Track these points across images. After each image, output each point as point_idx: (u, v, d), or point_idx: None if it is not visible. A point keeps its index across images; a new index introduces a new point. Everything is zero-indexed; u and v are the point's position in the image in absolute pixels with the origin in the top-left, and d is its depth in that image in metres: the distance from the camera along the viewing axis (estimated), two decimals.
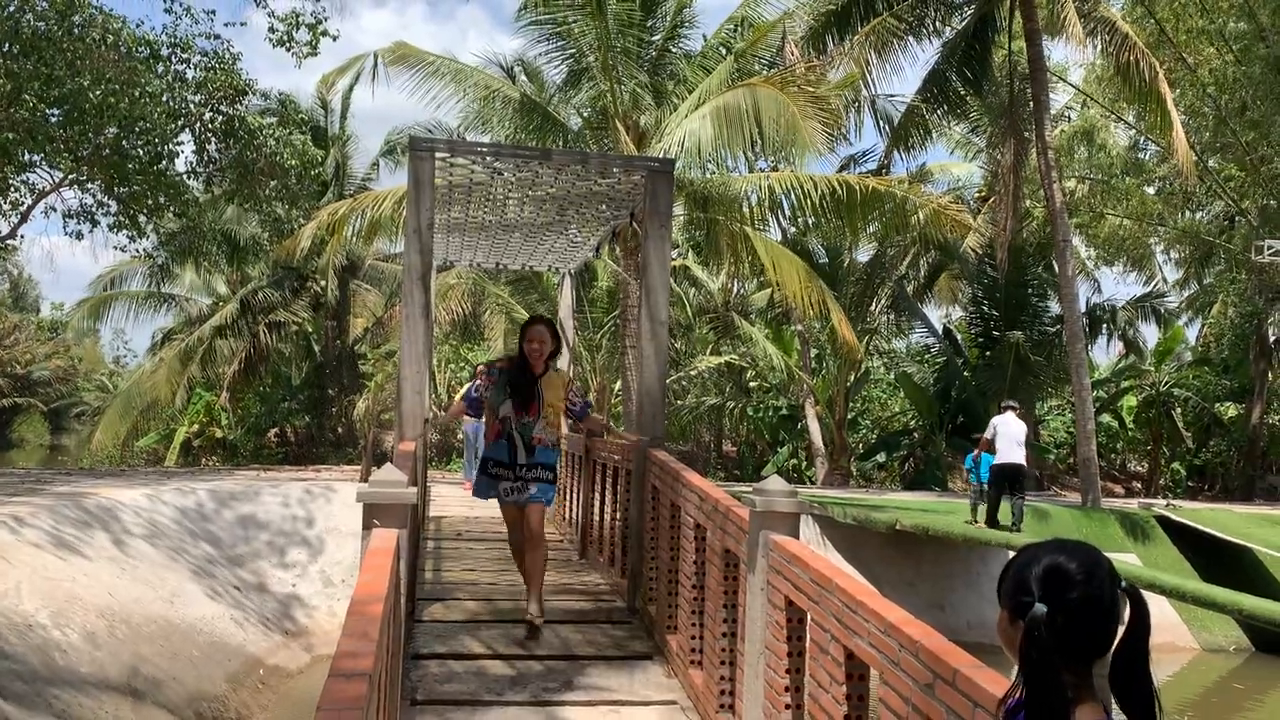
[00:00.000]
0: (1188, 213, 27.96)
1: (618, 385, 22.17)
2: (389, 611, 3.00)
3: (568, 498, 10.47)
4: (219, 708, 9.90)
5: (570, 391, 6.46)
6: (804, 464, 27.40)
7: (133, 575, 11.16)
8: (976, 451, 14.41)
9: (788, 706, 3.86)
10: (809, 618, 3.73)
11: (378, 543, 3.51)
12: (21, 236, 17.26)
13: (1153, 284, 31.25)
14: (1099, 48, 19.51)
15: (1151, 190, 27.81)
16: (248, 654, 11.58)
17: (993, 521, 14.10)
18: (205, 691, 9.90)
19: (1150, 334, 30.81)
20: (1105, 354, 33.42)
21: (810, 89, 14.37)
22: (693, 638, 5.23)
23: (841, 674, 3.32)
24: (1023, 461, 13.74)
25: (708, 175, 17.25)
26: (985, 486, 14.30)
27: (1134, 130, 25.92)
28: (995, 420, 14.01)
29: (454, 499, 14.67)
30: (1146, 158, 27.73)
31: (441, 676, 5.08)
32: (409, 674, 5.05)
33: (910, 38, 20.22)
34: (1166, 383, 28.48)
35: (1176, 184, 24.94)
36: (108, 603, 9.98)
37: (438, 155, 6.64)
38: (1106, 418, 30.02)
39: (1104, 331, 29.01)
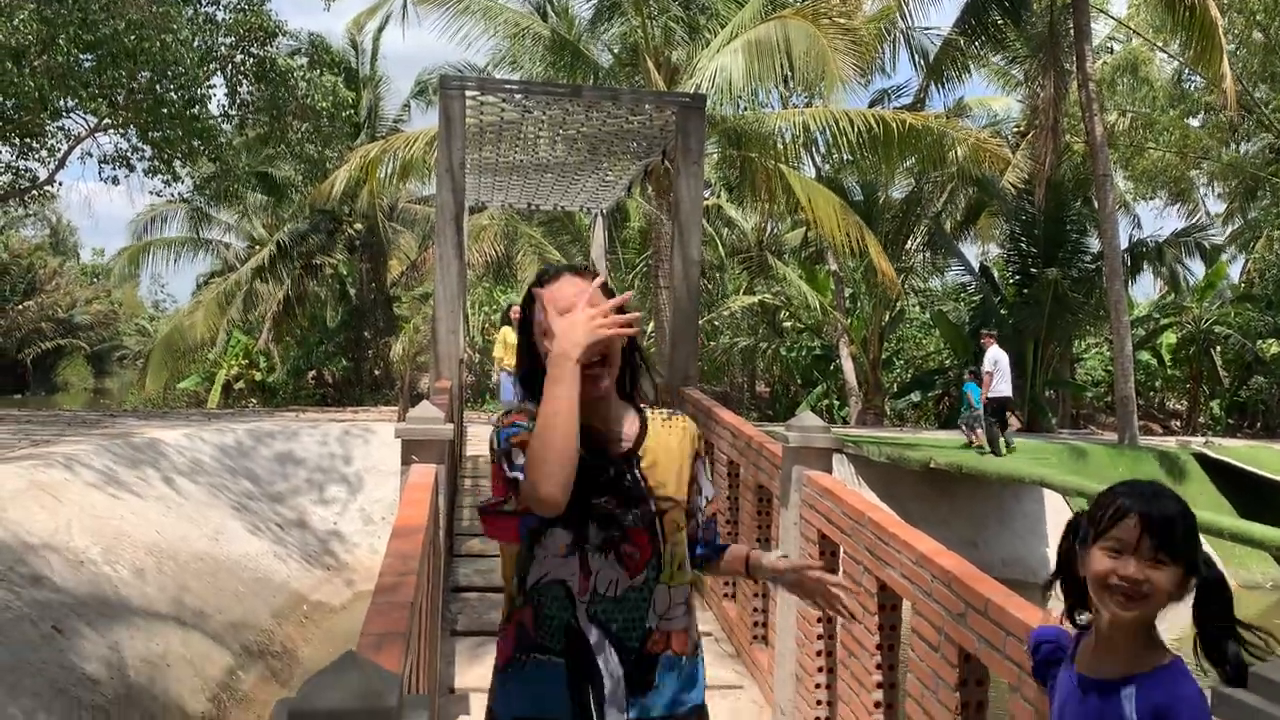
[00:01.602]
0: (1233, 145, 27.29)
1: (650, 326, 22.19)
2: (428, 543, 3.06)
3: None
4: (265, 641, 10.17)
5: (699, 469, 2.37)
6: (838, 404, 27.37)
7: (178, 513, 11.43)
8: (985, 384, 15.15)
9: (820, 636, 3.91)
10: (842, 550, 3.77)
11: (416, 477, 3.58)
12: (59, 183, 17.47)
13: (1195, 218, 30.64)
14: None
15: (1195, 122, 27.15)
16: (291, 589, 11.86)
17: (998, 449, 14.97)
18: (251, 625, 10.17)
19: (1196, 269, 30.30)
20: (1147, 292, 32.95)
21: (842, 21, 14.09)
22: None
23: (874, 605, 3.36)
24: (1010, 394, 15.39)
25: (741, 112, 17.04)
26: (979, 415, 15.52)
27: (1178, 61, 25.22)
28: (995, 355, 14.74)
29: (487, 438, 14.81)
30: (1191, 89, 27.03)
31: (482, 608, 5.19)
32: (449, 605, 5.16)
33: None
34: (1207, 320, 28.04)
35: (1222, 115, 24.32)
36: (155, 540, 10.24)
37: (468, 93, 6.61)
38: (1145, 355, 29.67)
39: (1144, 268, 28.56)
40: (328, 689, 1.37)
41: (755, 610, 4.77)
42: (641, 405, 2.22)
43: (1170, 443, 19.18)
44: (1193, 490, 16.01)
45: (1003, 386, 15.05)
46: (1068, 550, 1.94)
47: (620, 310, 2.02)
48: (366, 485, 14.58)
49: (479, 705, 3.79)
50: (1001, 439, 15.24)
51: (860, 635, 3.48)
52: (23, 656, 6.68)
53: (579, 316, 1.96)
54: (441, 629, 4.63)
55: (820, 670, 3.91)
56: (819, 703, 3.92)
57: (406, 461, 3.83)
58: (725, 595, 5.31)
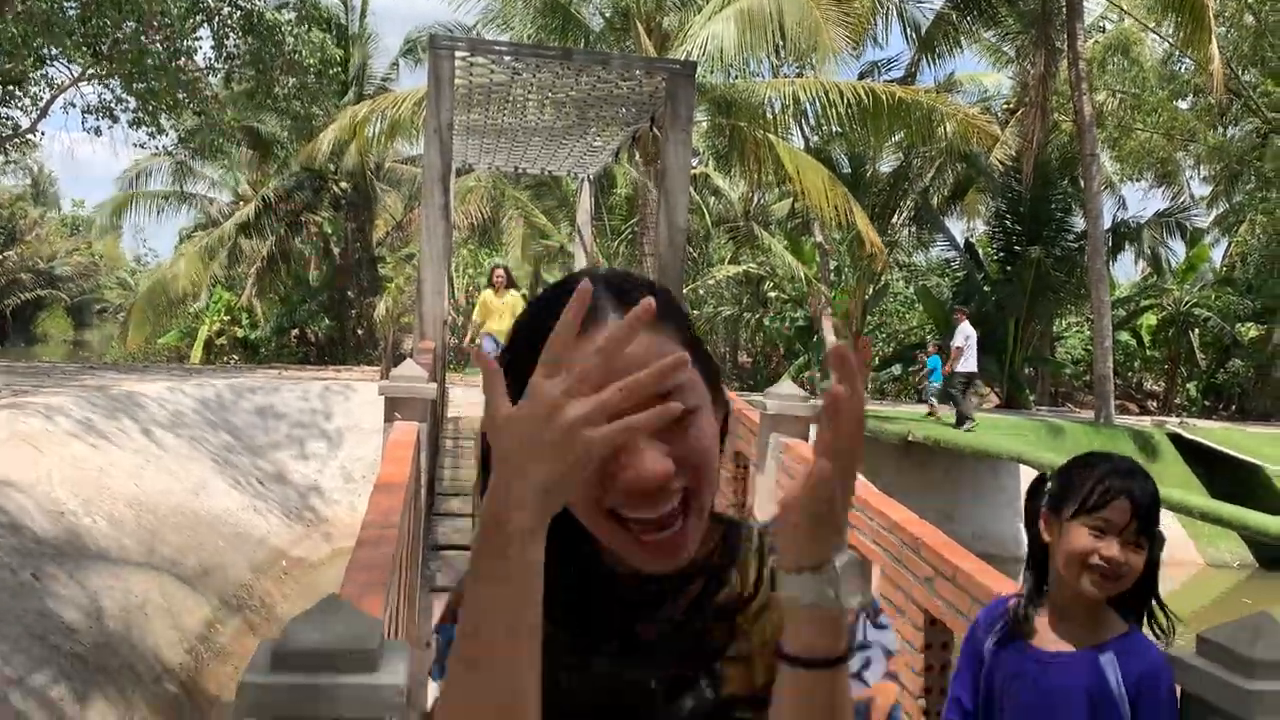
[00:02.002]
0: (1219, 129, 27.39)
1: None
2: (409, 499, 3.11)
3: None
4: (243, 595, 10.25)
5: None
6: (819, 376, 27.52)
7: (158, 466, 11.45)
8: (952, 358, 15.65)
9: None
10: None
11: (399, 434, 3.63)
12: (41, 132, 17.28)
13: (1180, 200, 30.78)
14: None
15: (1184, 105, 27.22)
16: (270, 545, 11.93)
17: (966, 422, 15.38)
18: (230, 578, 10.24)
19: (1178, 251, 30.47)
20: (1129, 273, 33.15)
21: None
22: None
23: None
24: (975, 370, 15.93)
25: (731, 80, 16.99)
26: (941, 389, 16.35)
27: (1169, 43, 25.24)
28: (967, 330, 15.39)
29: (470, 402, 14.87)
30: (1181, 70, 27.07)
31: (461, 565, 5.26)
32: (428, 563, 5.23)
33: None
34: (1187, 302, 28.27)
35: (1210, 99, 24.40)
36: (134, 492, 10.27)
37: (458, 54, 6.59)
38: (1125, 335, 29.91)
39: (1127, 249, 28.71)
40: (311, 630, 1.42)
41: None
42: (728, 516, 1.16)
43: (1146, 422, 19.41)
44: (1164, 469, 16.23)
45: (971, 362, 15.43)
46: (1033, 513, 1.93)
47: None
48: (347, 442, 14.63)
49: None
50: (968, 412, 15.64)
51: None
52: (2, 605, 6.72)
53: (546, 401, 0.80)
54: (420, 585, 4.70)
55: None
56: None
57: (389, 419, 3.88)
58: None
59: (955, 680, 2.00)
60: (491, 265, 13.73)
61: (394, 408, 3.91)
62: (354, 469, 14.36)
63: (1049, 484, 1.93)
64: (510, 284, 12.16)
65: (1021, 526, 10.75)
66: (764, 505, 4.34)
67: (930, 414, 16.43)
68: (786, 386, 4.34)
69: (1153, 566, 1.82)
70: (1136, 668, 1.76)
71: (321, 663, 1.37)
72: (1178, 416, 22.43)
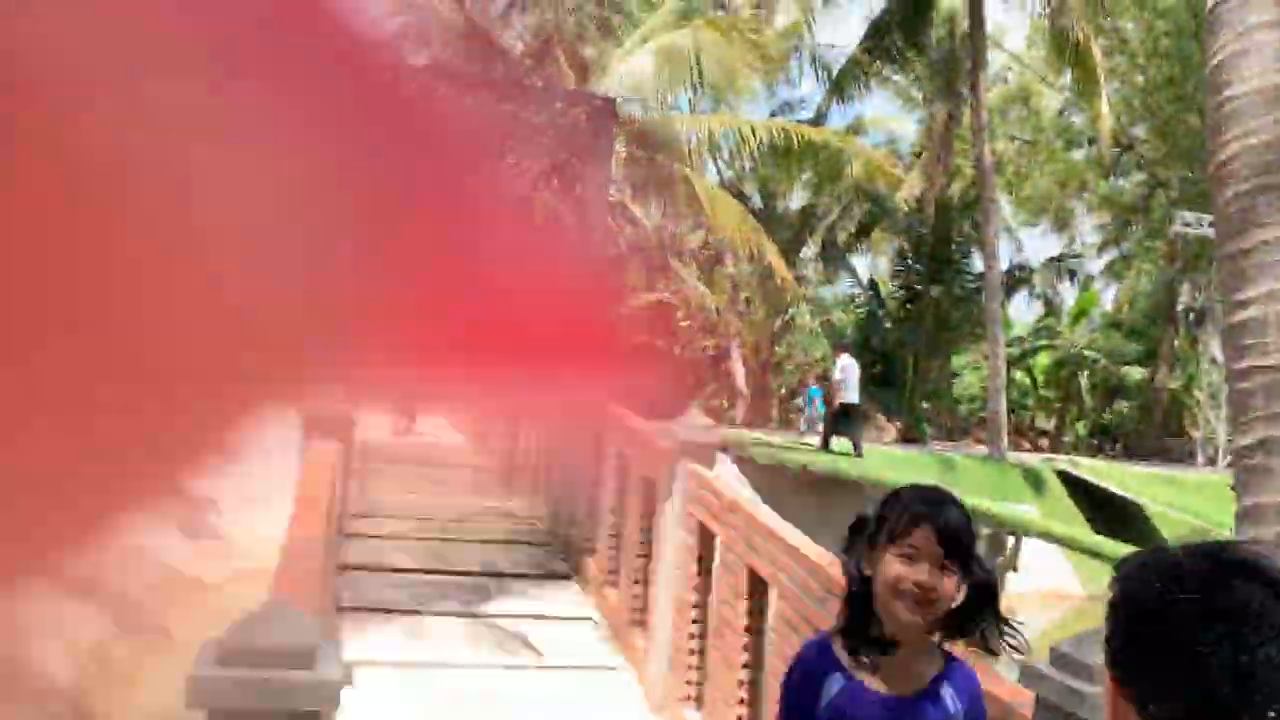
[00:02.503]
0: (1111, 179, 28.76)
1: None
2: (331, 512, 3.20)
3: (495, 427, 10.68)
4: (138, 615, 10.00)
5: None
6: (726, 405, 27.91)
7: None
8: (831, 391, 16.28)
9: (695, 620, 4.17)
10: (718, 540, 4.03)
11: (318, 455, 3.70)
12: None
13: (1073, 245, 32.15)
14: (1037, 12, 19.89)
15: (1079, 154, 28.52)
16: (166, 564, 11.64)
17: (827, 446, 16.04)
18: (125, 598, 9.97)
19: (1070, 295, 31.80)
20: (1023, 314, 34.41)
21: (753, 36, 14.47)
22: (610, 559, 5.53)
23: (745, 590, 3.63)
24: (858, 400, 16.33)
25: (649, 113, 17.29)
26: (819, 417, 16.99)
27: (1065, 95, 26.50)
28: (844, 363, 15.98)
29: (376, 422, 14.74)
30: (1075, 123, 28.40)
31: (370, 586, 5.31)
32: (336, 585, 5.26)
33: None
34: (1078, 345, 29.49)
35: (1101, 150, 25.65)
36: None
37: None
38: (1020, 375, 31.04)
39: (1024, 291, 29.87)
40: (255, 629, 1.53)
41: (635, 597, 5.01)
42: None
43: (1036, 459, 20.16)
44: (1052, 504, 16.90)
45: (850, 394, 16.00)
46: (850, 550, 1.90)
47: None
48: (249, 460, 14.31)
49: (362, 678, 3.92)
50: (850, 441, 16.23)
51: (729, 617, 3.75)
52: None
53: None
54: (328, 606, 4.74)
55: (693, 652, 4.18)
56: (689, 682, 4.18)
57: (309, 437, 3.94)
58: (608, 583, 5.54)
59: None
60: None
61: (313, 426, 3.98)
62: (255, 488, 14.09)
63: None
64: None
65: None
66: (670, 532, 4.51)
67: (819, 445, 16.80)
68: (694, 416, 4.53)
69: (983, 588, 1.83)
70: (966, 688, 1.84)
71: (267, 660, 1.49)
72: (1067, 454, 23.35)
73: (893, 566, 1.77)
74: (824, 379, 17.21)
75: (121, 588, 10.19)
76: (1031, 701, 2.08)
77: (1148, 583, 0.97)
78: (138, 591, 10.44)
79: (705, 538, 4.19)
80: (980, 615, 1.82)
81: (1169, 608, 0.94)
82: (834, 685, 1.82)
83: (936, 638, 1.85)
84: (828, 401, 16.96)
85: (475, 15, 17.99)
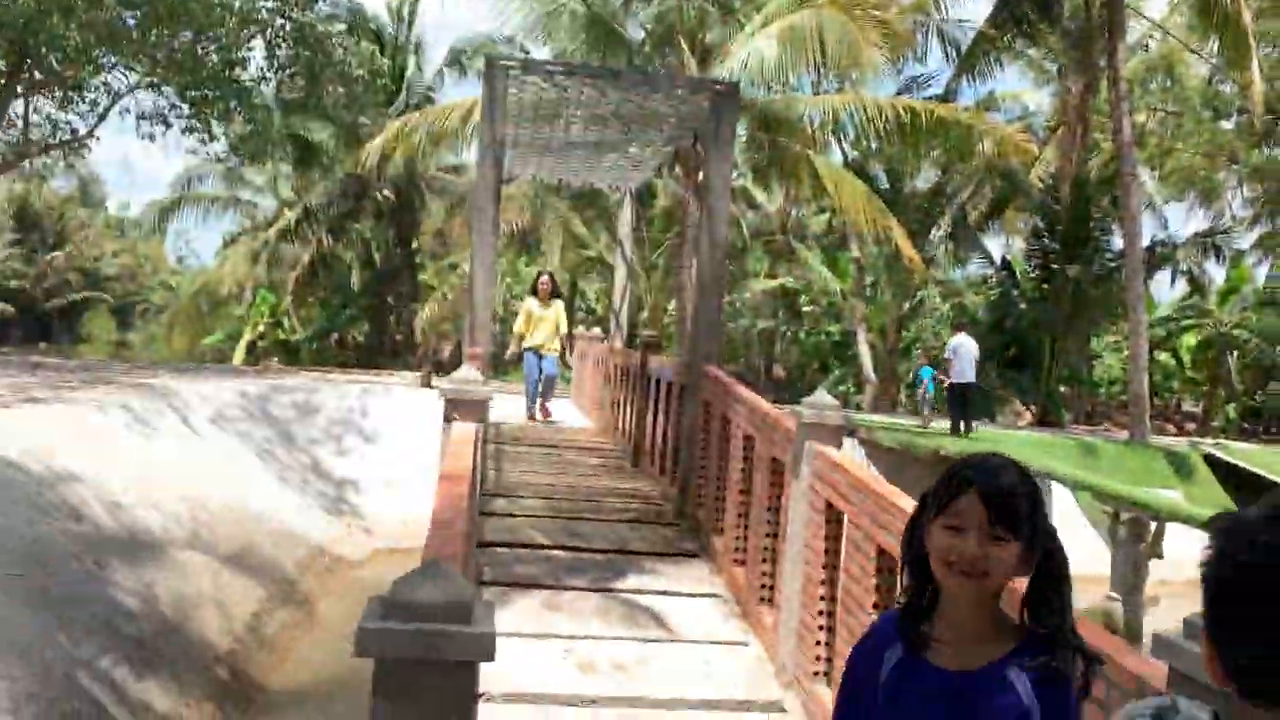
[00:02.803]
0: (1262, 149, 27.22)
1: (672, 305, 22.44)
2: (471, 492, 3.37)
3: (620, 410, 10.86)
4: (287, 590, 10.58)
5: None
6: (853, 390, 27.60)
7: (207, 462, 11.85)
8: (940, 371, 16.36)
9: (823, 598, 4.22)
10: (845, 518, 4.06)
11: (459, 433, 3.89)
12: (97, 138, 17.80)
13: (1221, 221, 30.56)
14: None
15: (1227, 125, 27.09)
16: (313, 542, 12.27)
17: (958, 430, 15.83)
18: (275, 574, 10.57)
19: (1216, 273, 30.27)
20: (1165, 293, 32.93)
21: (876, 13, 14.25)
22: (737, 538, 5.61)
23: (873, 567, 3.66)
24: (974, 380, 16.28)
25: (771, 95, 17.21)
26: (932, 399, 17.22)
27: (1211, 64, 25.17)
28: (956, 342, 16.04)
29: (507, 407, 15.16)
30: (1225, 91, 26.96)
31: (507, 561, 5.52)
32: (477, 559, 5.49)
33: None
34: (1228, 324, 28.06)
35: (1255, 118, 24.29)
36: (186, 487, 10.65)
37: (511, 74, 6.88)
38: (1164, 356, 29.75)
39: (1167, 269, 28.56)
40: (418, 587, 1.67)
41: (763, 575, 5.08)
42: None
43: (1182, 443, 19.34)
44: (1200, 490, 16.19)
45: (967, 372, 15.85)
46: (915, 525, 1.80)
47: None
48: (386, 445, 14.94)
49: (503, 649, 4.09)
50: (963, 422, 16.02)
51: (859, 596, 3.79)
52: (70, 589, 7.07)
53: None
54: (471, 578, 4.95)
55: (821, 629, 4.23)
56: (818, 658, 4.23)
57: (449, 419, 4.13)
58: (735, 561, 5.62)
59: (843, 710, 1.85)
60: (538, 273, 13.16)
61: (453, 408, 4.17)
62: (393, 472, 14.68)
63: None
64: (555, 293, 11.85)
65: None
66: (798, 511, 4.56)
67: (923, 426, 16.85)
68: (821, 397, 4.56)
69: (1051, 563, 1.71)
70: (1045, 674, 1.66)
71: (427, 613, 1.63)
72: (1215, 438, 22.31)
73: (941, 537, 1.69)
74: (935, 360, 17.33)
75: (275, 563, 10.80)
76: (1164, 673, 2.07)
77: (1233, 543, 1.06)
78: (289, 568, 11.05)
79: (833, 516, 4.23)
80: (1046, 597, 1.70)
81: (1247, 569, 1.03)
82: (894, 657, 1.76)
83: (1015, 617, 1.73)
84: (939, 383, 16.94)
85: (597, 6, 18.20)
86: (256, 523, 11.36)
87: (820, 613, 4.21)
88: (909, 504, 3.42)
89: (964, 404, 16.14)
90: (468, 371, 4.34)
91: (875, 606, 3.64)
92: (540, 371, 11.92)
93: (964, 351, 15.92)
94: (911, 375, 28.02)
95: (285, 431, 14.48)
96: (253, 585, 9.89)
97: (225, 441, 12.95)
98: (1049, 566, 1.71)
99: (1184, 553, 13.66)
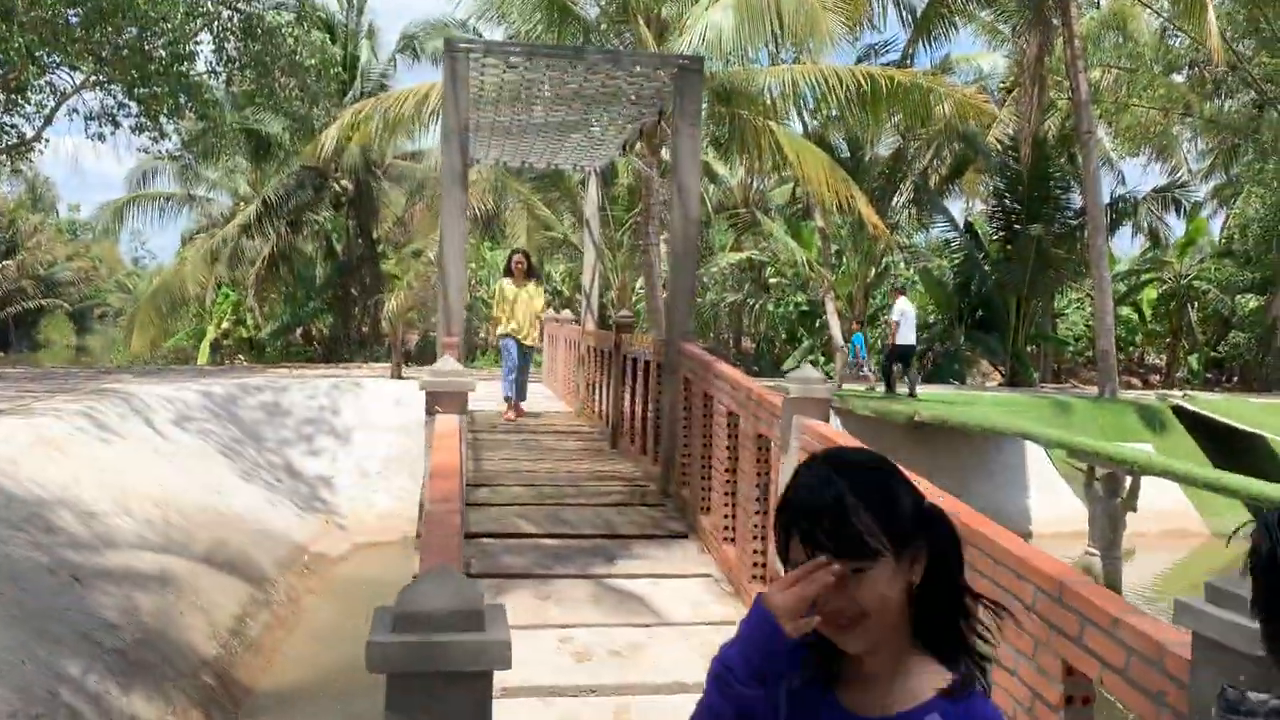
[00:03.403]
0: (1215, 102, 27.48)
1: (639, 283, 22.35)
2: (461, 483, 3.29)
3: (596, 392, 10.78)
4: (269, 590, 10.45)
5: None
6: (823, 359, 27.69)
7: (178, 467, 11.65)
8: (893, 332, 17.05)
9: None
10: None
11: (444, 426, 3.81)
12: (46, 140, 17.40)
13: (1177, 175, 30.87)
14: None
15: (1179, 78, 27.30)
16: (292, 541, 12.14)
17: (893, 388, 16.88)
18: (255, 575, 10.44)
19: (1176, 226, 30.61)
20: (1126, 247, 33.28)
21: None
22: (725, 516, 5.57)
23: None
24: (914, 343, 17.36)
25: (729, 68, 17.10)
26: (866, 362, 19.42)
27: (1163, 17, 25.32)
28: (903, 306, 16.85)
29: (482, 393, 15.04)
30: (1177, 45, 27.14)
31: (495, 552, 5.45)
32: (465, 552, 5.42)
33: None
34: (1187, 276, 28.40)
35: (1207, 71, 24.50)
36: (160, 492, 10.47)
37: (472, 57, 6.75)
38: (1126, 310, 30.07)
39: (1127, 224, 28.83)
40: (425, 595, 1.60)
41: (755, 553, 5.05)
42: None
43: (1150, 396, 19.58)
44: (1171, 442, 16.42)
45: (909, 335, 16.74)
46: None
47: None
48: (360, 439, 14.81)
49: None
50: (906, 382, 16.88)
51: None
52: (47, 603, 6.92)
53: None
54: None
55: None
56: None
57: (431, 411, 4.05)
58: (725, 540, 5.59)
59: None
60: (510, 252, 12.16)
61: (435, 401, 4.09)
62: (369, 465, 14.55)
63: None
64: (530, 272, 11.22)
65: (1028, 502, 10.87)
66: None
67: (870, 388, 17.97)
68: (806, 370, 4.51)
69: (933, 559, 1.36)
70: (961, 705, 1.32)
71: (438, 624, 1.56)
72: (1181, 390, 22.60)
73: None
74: (864, 324, 19.06)
75: (255, 563, 10.67)
76: (1188, 640, 2.04)
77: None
78: (269, 567, 10.92)
79: None
80: (932, 616, 1.37)
81: None
82: (793, 683, 1.41)
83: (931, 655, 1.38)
84: (882, 346, 18.36)
85: None
86: (233, 524, 11.21)
87: None
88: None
89: (906, 366, 17.04)
90: (447, 362, 4.25)
91: None
92: (520, 361, 11.06)
93: (909, 315, 16.85)
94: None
95: (255, 431, 14.29)
96: (233, 587, 9.76)
97: (195, 444, 12.75)
98: (935, 562, 1.36)
99: (1155, 504, 13.87)
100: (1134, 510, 11.90)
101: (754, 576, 5.04)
